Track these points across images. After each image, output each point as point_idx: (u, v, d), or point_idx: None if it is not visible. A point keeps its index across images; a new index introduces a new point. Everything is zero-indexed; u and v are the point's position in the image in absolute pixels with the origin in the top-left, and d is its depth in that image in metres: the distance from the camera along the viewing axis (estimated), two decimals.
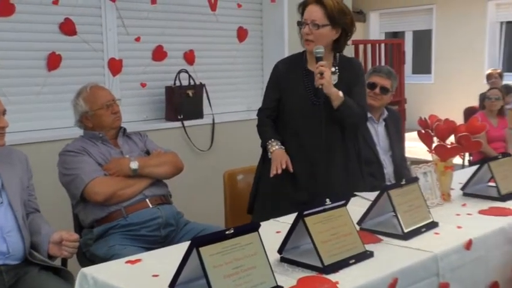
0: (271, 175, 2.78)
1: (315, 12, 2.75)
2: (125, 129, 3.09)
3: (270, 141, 2.87)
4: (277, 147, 2.84)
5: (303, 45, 2.85)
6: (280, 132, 2.92)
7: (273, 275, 1.66)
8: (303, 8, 2.82)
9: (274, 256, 1.89)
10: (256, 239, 1.67)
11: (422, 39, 12.10)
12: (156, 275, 1.78)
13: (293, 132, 2.88)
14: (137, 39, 4.22)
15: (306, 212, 1.86)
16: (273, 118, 2.96)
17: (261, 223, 1.74)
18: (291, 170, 2.80)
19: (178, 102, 4.25)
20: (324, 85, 2.67)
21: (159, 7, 4.27)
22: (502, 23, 10.96)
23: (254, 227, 1.68)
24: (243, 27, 4.86)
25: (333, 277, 1.76)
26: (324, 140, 2.75)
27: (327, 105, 2.75)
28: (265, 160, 2.96)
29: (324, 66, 2.68)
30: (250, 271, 1.61)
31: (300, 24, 2.82)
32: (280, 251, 1.91)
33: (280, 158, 2.79)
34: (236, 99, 4.90)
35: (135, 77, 4.27)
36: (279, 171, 2.76)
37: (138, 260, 1.95)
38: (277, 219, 2.44)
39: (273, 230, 2.21)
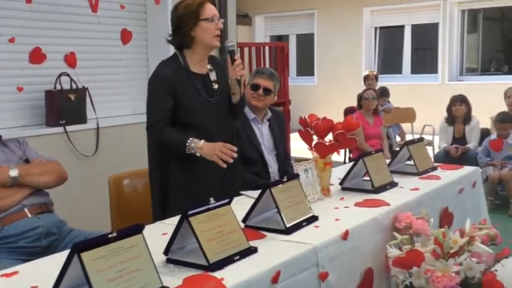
0: (224, 166, 2.71)
1: (214, 9, 2.85)
2: (0, 136, 2.93)
3: (190, 141, 2.73)
4: (201, 142, 2.73)
5: (212, 41, 2.84)
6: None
7: (159, 276, 1.66)
8: (198, 7, 2.82)
9: (160, 258, 1.90)
10: (140, 241, 1.67)
11: (306, 42, 12.58)
12: (35, 286, 1.72)
13: (199, 134, 2.83)
14: (11, 40, 4.02)
15: (190, 212, 1.89)
16: (171, 124, 2.85)
17: (147, 226, 1.73)
18: (235, 155, 2.74)
19: (59, 106, 4.10)
20: (243, 76, 2.86)
21: (35, 6, 4.09)
22: (376, 28, 11.67)
23: (138, 230, 1.68)
24: (127, 29, 4.79)
25: (218, 274, 1.79)
26: (229, 136, 2.87)
27: (221, 103, 2.90)
28: (168, 165, 2.88)
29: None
30: (134, 273, 1.60)
31: (206, 20, 2.80)
32: (166, 252, 1.92)
33: (216, 148, 2.71)
34: (121, 103, 4.82)
35: (11, 81, 4.06)
36: (231, 159, 2.70)
37: (15, 273, 1.86)
38: (164, 221, 2.45)
39: (160, 232, 2.22)
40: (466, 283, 2.33)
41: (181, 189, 2.85)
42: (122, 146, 4.44)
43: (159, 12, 4.82)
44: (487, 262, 2.43)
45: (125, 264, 1.59)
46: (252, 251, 1.99)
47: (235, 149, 2.73)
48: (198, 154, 2.74)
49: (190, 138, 2.74)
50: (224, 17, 4.89)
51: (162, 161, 2.89)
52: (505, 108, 6.10)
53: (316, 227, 2.32)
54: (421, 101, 9.17)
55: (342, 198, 2.79)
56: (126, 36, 4.79)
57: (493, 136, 5.74)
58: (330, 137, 2.88)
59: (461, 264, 2.31)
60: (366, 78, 7.94)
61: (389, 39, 11.95)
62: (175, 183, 2.86)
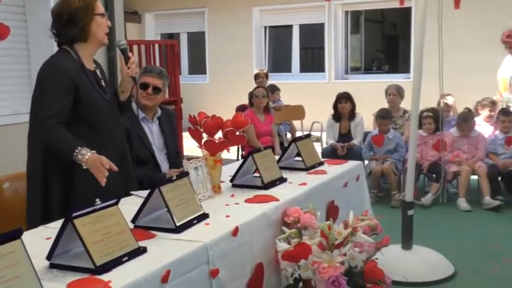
0: (103, 184, 2.55)
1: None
2: None
3: (77, 150, 2.56)
4: (89, 154, 2.57)
5: (104, 38, 2.79)
6: (86, 134, 2.72)
7: (40, 283, 1.59)
8: (93, 1, 2.74)
9: (43, 263, 1.81)
10: (19, 247, 1.58)
11: (197, 40, 12.56)
12: None
13: (98, 132, 2.75)
14: None
15: (75, 214, 1.82)
16: (65, 123, 2.67)
17: (30, 231, 1.64)
18: (116, 168, 2.61)
19: None
20: (137, 74, 2.88)
21: None
22: (266, 27, 11.91)
23: (16, 235, 1.58)
24: (3, 23, 4.51)
25: (105, 277, 1.75)
26: (122, 133, 2.88)
27: (111, 100, 2.87)
28: (48, 170, 2.73)
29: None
30: (13, 281, 1.52)
31: (100, 15, 2.75)
32: (49, 257, 1.84)
33: (98, 162, 2.56)
34: (1, 102, 4.53)
35: None
36: (105, 178, 2.56)
37: None
38: (48, 225, 2.33)
39: (43, 237, 2.11)
40: (350, 272, 2.44)
41: (65, 193, 2.74)
42: (2, 147, 4.18)
43: (39, 6, 4.59)
44: (368, 251, 2.57)
45: (0, 273, 1.50)
46: (141, 251, 1.96)
47: (115, 168, 2.61)
48: (84, 166, 2.58)
49: (79, 148, 2.57)
50: (111, 13, 4.76)
51: (44, 160, 2.75)
52: (386, 105, 6.47)
53: (207, 224, 2.32)
54: (310, 98, 9.48)
55: (232, 195, 2.82)
56: (3, 32, 4.51)
57: (375, 132, 6.07)
58: (220, 134, 2.90)
59: (345, 254, 2.42)
60: (257, 76, 8.07)
61: (278, 38, 12.25)
62: (59, 186, 2.74)
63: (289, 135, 7.70)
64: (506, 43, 6.08)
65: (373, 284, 2.54)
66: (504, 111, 5.93)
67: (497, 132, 5.93)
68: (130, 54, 2.89)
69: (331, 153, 6.04)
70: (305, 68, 11.95)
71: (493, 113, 6.21)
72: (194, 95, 11.23)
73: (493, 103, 6.29)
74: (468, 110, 6.17)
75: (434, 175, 5.74)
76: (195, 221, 2.32)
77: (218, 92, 11.72)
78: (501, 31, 8.98)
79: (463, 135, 5.85)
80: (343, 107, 6.32)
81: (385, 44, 14.44)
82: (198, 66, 12.59)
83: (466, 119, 5.89)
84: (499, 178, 5.73)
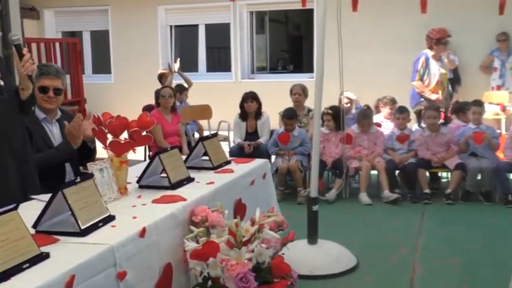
0: None
1: None
2: None
3: None
4: None
5: None
6: None
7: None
8: None
9: None
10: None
11: (101, 39, 12.21)
12: None
13: None
14: None
15: None
16: None
17: None
18: None
19: None
20: (34, 72, 2.74)
21: None
22: (171, 26, 11.81)
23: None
24: None
25: (4, 286, 1.68)
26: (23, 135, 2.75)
27: (10, 100, 2.75)
28: None
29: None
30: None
31: None
32: None
33: None
34: None
35: None
36: None
37: None
38: None
39: None
40: (258, 268, 2.49)
41: None
42: None
43: None
44: (275, 247, 2.64)
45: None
46: (44, 257, 1.90)
47: None
48: None
49: None
50: (5, 8, 4.53)
51: None
52: (291, 104, 6.62)
53: (113, 226, 2.29)
54: (217, 98, 9.51)
55: (139, 196, 2.79)
56: None
57: (281, 130, 6.20)
58: (125, 135, 2.86)
59: (252, 251, 2.47)
60: (162, 76, 7.98)
61: (185, 38, 12.18)
62: None
63: (196, 135, 7.69)
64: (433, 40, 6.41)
65: (280, 278, 2.61)
66: (400, 109, 6.27)
67: (395, 129, 6.25)
68: (25, 50, 2.76)
69: (239, 152, 6.11)
70: (212, 67, 11.97)
71: (393, 111, 6.53)
72: (99, 95, 10.91)
73: (393, 101, 6.62)
74: (367, 107, 6.47)
75: (338, 171, 5.96)
76: (101, 224, 2.27)
77: (124, 92, 11.46)
78: (398, 32, 9.54)
79: (363, 131, 6.12)
80: (250, 106, 6.40)
81: (290, 44, 14.77)
82: (102, 66, 12.24)
83: (366, 116, 6.16)
84: (396, 172, 6.05)
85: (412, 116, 6.44)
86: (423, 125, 6.09)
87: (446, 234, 4.76)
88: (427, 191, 5.77)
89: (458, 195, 5.78)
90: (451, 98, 8.56)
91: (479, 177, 5.84)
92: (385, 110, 6.65)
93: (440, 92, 6.62)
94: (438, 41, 6.45)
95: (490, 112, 7.53)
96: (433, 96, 6.52)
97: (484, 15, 7.75)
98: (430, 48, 6.56)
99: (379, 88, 7.60)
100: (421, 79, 6.52)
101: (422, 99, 6.54)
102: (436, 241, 4.59)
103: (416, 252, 4.34)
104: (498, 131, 6.81)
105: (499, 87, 8.74)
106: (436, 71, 6.56)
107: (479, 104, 6.09)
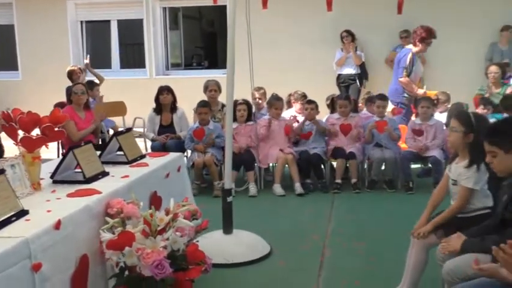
0: None
1: None
2: None
3: None
4: None
5: None
6: None
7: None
8: None
9: None
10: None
11: (6, 34, 11.71)
12: None
13: None
14: None
15: None
16: None
17: None
18: None
19: None
20: None
21: None
22: (82, 22, 11.52)
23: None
24: None
25: None
26: None
27: None
28: None
29: None
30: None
31: None
32: None
33: None
34: None
35: None
36: None
37: None
38: None
39: None
40: (173, 256, 2.60)
41: None
42: None
43: None
44: (189, 235, 2.74)
45: None
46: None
47: None
48: None
49: None
50: None
51: None
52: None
53: (27, 220, 2.31)
54: (132, 94, 9.43)
55: (53, 191, 2.80)
56: None
57: (196, 125, 6.29)
58: (38, 131, 2.85)
59: (167, 239, 2.57)
60: (72, 73, 7.83)
61: (96, 34, 11.93)
62: None
63: (111, 132, 7.61)
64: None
65: (195, 265, 2.72)
66: (309, 101, 6.51)
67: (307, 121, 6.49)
68: None
69: (161, 148, 6.15)
70: (125, 64, 11.81)
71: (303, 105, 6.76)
72: (6, 93, 10.50)
73: (304, 96, 6.87)
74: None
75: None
76: (14, 218, 2.28)
77: (33, 89, 11.07)
78: (307, 30, 9.86)
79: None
80: (165, 98, 6.45)
81: (204, 40, 14.82)
82: (8, 62, 11.74)
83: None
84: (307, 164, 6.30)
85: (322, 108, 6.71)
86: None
87: (354, 221, 5.06)
88: (338, 181, 6.07)
89: (364, 184, 6.13)
90: (359, 93, 9.02)
91: (383, 167, 6.21)
92: (296, 105, 6.89)
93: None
94: (422, 39, 6.46)
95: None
96: (421, 91, 6.73)
97: (387, 14, 8.16)
98: (414, 44, 6.58)
99: (290, 84, 7.85)
100: (409, 75, 6.58)
101: (406, 95, 6.70)
102: (344, 227, 4.87)
103: (326, 238, 4.59)
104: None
105: None
106: (420, 67, 6.75)
107: (383, 97, 6.45)
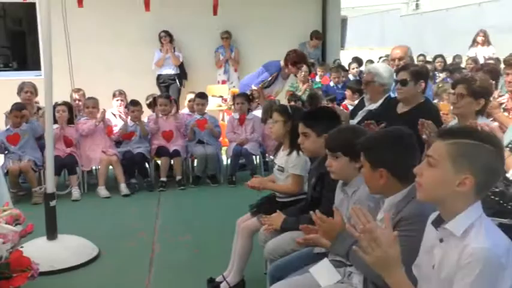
0: None
1: None
2: None
3: None
4: None
5: None
6: None
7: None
8: None
9: None
10: None
11: None
12: None
13: None
14: None
15: None
16: None
17: None
18: None
19: None
20: None
21: None
22: None
23: None
24: None
25: None
26: None
27: None
28: None
29: None
30: None
31: None
32: None
33: None
34: None
35: None
36: None
37: None
38: None
39: None
40: None
41: None
42: None
43: None
44: (13, 240, 2.63)
45: None
46: None
47: None
48: None
49: None
50: None
51: None
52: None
53: None
54: None
55: None
56: None
57: (9, 131, 5.91)
58: None
59: None
60: None
61: None
62: None
63: None
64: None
65: (20, 272, 2.61)
66: (132, 102, 6.47)
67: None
68: None
69: None
70: None
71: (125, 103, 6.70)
72: None
73: (123, 94, 6.79)
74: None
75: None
76: None
77: None
78: (124, 30, 9.71)
79: None
80: None
81: (11, 40, 13.83)
82: None
83: None
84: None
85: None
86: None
87: (180, 216, 5.21)
88: (163, 179, 6.16)
89: (189, 181, 6.32)
90: (179, 92, 9.17)
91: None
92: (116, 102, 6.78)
93: None
94: (295, 63, 6.49)
95: (213, 103, 8.25)
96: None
97: (204, 16, 8.39)
98: (286, 64, 6.55)
99: (109, 83, 7.71)
100: (264, 87, 6.68)
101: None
102: (170, 223, 4.98)
103: (154, 234, 4.66)
104: (220, 121, 7.58)
105: (224, 82, 9.63)
106: (279, 85, 6.80)
107: (202, 96, 6.69)
